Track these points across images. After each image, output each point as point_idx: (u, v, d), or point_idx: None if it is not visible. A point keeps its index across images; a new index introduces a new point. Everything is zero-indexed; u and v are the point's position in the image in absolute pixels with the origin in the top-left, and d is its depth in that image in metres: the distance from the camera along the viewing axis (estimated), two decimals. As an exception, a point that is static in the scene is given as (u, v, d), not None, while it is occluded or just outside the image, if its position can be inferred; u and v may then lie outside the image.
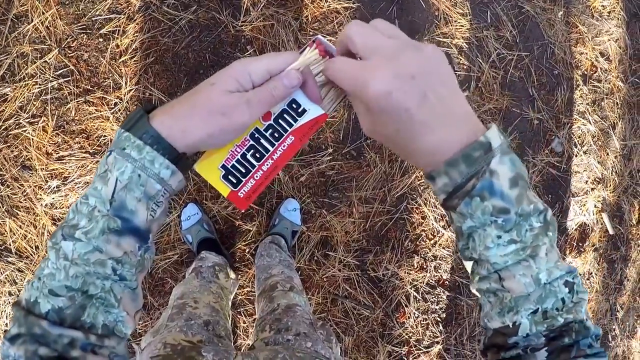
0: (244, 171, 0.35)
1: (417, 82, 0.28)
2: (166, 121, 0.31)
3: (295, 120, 0.35)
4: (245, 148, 0.35)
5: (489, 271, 0.31)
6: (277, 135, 0.35)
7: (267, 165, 0.35)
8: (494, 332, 0.32)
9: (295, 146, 0.35)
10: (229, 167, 0.35)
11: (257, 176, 0.35)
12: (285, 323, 0.72)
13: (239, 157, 0.35)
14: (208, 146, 0.33)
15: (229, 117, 0.31)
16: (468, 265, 0.34)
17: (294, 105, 0.34)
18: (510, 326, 0.31)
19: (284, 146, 0.35)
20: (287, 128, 0.35)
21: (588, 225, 1.59)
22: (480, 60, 1.47)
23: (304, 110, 0.35)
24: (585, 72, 1.61)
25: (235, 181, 0.35)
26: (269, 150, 0.35)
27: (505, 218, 0.29)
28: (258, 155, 0.35)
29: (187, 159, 0.33)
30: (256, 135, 0.35)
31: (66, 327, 0.30)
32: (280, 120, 0.35)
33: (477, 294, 0.35)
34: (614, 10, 1.66)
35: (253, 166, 0.35)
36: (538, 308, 0.30)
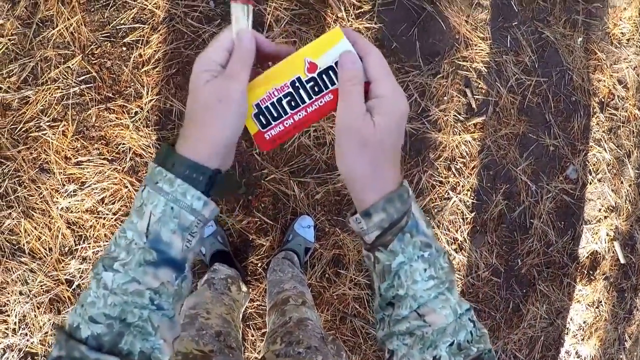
0: (275, 115, 0.35)
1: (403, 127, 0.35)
2: (188, 144, 0.32)
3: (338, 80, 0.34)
4: (283, 93, 0.35)
5: (411, 308, 0.33)
6: (317, 90, 0.35)
7: (300, 116, 0.35)
8: None
9: (331, 105, 0.35)
10: (262, 107, 0.35)
11: (287, 123, 0.35)
12: (296, 336, 0.73)
13: (274, 100, 0.35)
14: (231, 136, 0.33)
15: (224, 97, 0.32)
16: (380, 313, 0.36)
17: None
18: None
19: (320, 102, 0.35)
20: (329, 85, 0.34)
21: (600, 254, 1.59)
22: (499, 85, 1.47)
23: None
24: (603, 100, 1.61)
25: (265, 122, 0.35)
26: (305, 102, 0.35)
27: (430, 252, 0.33)
28: (293, 104, 0.35)
29: (224, 176, 0.34)
30: (297, 84, 0.34)
31: (104, 352, 0.30)
32: (324, 76, 0.34)
33: (387, 342, 0.36)
34: (633, 38, 1.66)
35: (286, 112, 0.35)
36: (454, 340, 0.33)
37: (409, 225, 0.33)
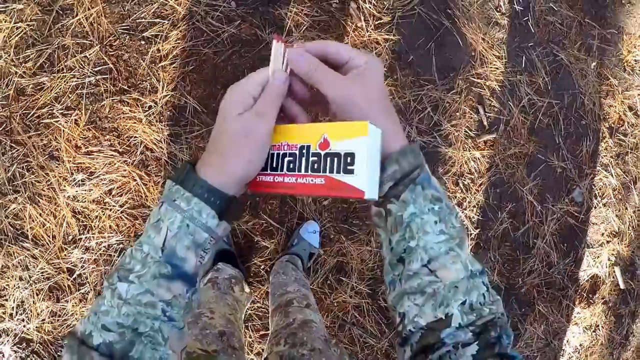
0: (274, 165, 0.36)
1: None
2: (210, 170, 0.33)
3: (338, 172, 0.32)
4: (289, 151, 0.35)
5: (422, 262, 0.33)
6: (315, 167, 0.34)
7: (289, 180, 0.35)
8: (426, 330, 0.33)
9: (319, 189, 0.33)
10: (270, 152, 0.36)
11: (276, 179, 0.35)
12: (300, 338, 0.74)
13: (280, 153, 0.35)
14: (252, 172, 0.35)
15: (251, 135, 0.33)
16: (390, 274, 0.36)
17: (348, 159, 0.32)
18: (443, 318, 0.33)
19: (311, 180, 0.34)
20: (327, 170, 0.33)
21: (600, 278, 1.59)
22: (511, 104, 1.48)
23: (352, 171, 0.32)
24: (612, 125, 1.62)
25: (263, 166, 0.36)
26: (300, 172, 0.34)
27: (440, 206, 0.34)
28: (291, 166, 0.35)
29: (238, 202, 0.35)
30: (303, 151, 0.34)
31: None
32: (328, 159, 0.33)
33: (397, 306, 0.35)
34: (646, 66, 1.68)
35: (281, 169, 0.35)
36: (466, 299, 0.33)
37: (421, 177, 0.34)
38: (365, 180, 0.31)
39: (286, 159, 0.35)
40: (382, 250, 0.37)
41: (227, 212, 0.34)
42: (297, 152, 0.34)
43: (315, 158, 0.34)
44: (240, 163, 0.33)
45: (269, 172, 0.36)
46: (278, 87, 0.35)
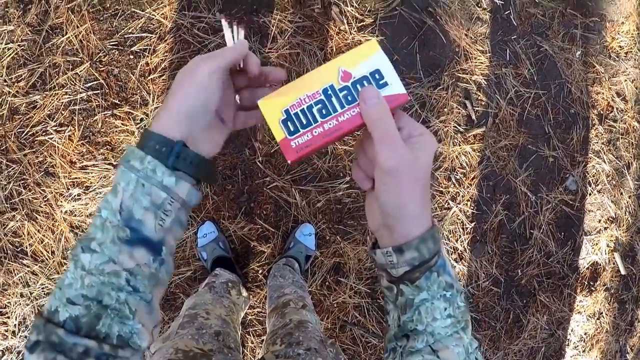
0: (304, 122, 0.34)
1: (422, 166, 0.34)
2: (156, 120, 0.33)
3: None
4: (314, 101, 0.34)
5: (426, 343, 0.34)
6: (349, 99, 0.33)
7: (330, 125, 0.34)
8: None
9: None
10: (292, 113, 0.34)
11: (315, 132, 0.34)
12: (296, 337, 0.74)
13: (305, 107, 0.34)
14: (194, 107, 0.33)
15: (191, 72, 0.33)
16: (393, 342, 0.37)
17: (376, 76, 0.33)
18: None
19: (353, 112, 0.33)
20: None
21: (600, 265, 1.59)
22: (498, 97, 1.50)
23: (386, 84, 0.33)
24: (601, 112, 1.62)
25: (292, 129, 0.34)
26: (337, 111, 0.34)
27: (452, 292, 0.35)
28: (324, 112, 0.34)
29: (189, 151, 0.33)
30: (329, 92, 0.34)
31: (82, 335, 0.30)
32: (358, 85, 0.33)
33: None
34: (631, 51, 1.69)
35: (316, 121, 0.34)
36: None
37: (438, 264, 0.34)
38: (400, 83, 0.33)
39: (314, 109, 0.34)
40: (387, 317, 0.38)
41: (178, 162, 0.32)
42: (323, 97, 0.34)
43: (346, 91, 0.33)
44: (178, 97, 0.32)
45: (302, 131, 0.34)
46: (234, 45, 0.35)
